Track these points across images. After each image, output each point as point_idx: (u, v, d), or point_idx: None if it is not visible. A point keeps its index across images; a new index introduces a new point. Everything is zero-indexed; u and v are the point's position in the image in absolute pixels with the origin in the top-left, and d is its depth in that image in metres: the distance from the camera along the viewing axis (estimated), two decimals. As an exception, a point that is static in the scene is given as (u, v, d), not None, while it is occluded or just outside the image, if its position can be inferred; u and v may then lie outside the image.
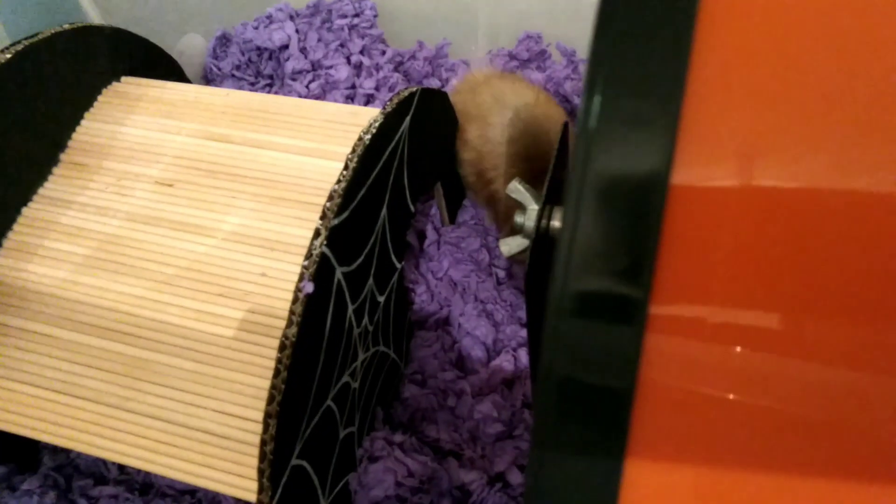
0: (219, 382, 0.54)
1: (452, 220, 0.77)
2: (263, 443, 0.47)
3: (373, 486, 0.59)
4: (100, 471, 0.65)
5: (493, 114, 0.68)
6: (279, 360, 0.47)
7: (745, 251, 0.22)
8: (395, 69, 0.86)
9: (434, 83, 0.86)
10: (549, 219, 0.47)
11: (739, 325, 0.22)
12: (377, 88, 0.83)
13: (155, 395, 0.54)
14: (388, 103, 0.56)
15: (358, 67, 0.85)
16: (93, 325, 0.57)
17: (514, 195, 0.49)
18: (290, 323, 0.47)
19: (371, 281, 0.58)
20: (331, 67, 0.85)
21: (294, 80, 0.85)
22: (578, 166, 0.24)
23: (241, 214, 0.61)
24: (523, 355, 0.67)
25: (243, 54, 0.87)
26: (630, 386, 0.23)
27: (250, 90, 0.86)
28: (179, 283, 0.58)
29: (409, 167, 0.61)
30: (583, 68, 0.82)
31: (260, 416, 0.53)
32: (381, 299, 0.61)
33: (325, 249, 0.48)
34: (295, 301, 0.47)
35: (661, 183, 0.23)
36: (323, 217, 0.49)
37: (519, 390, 0.66)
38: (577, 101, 0.80)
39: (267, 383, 0.53)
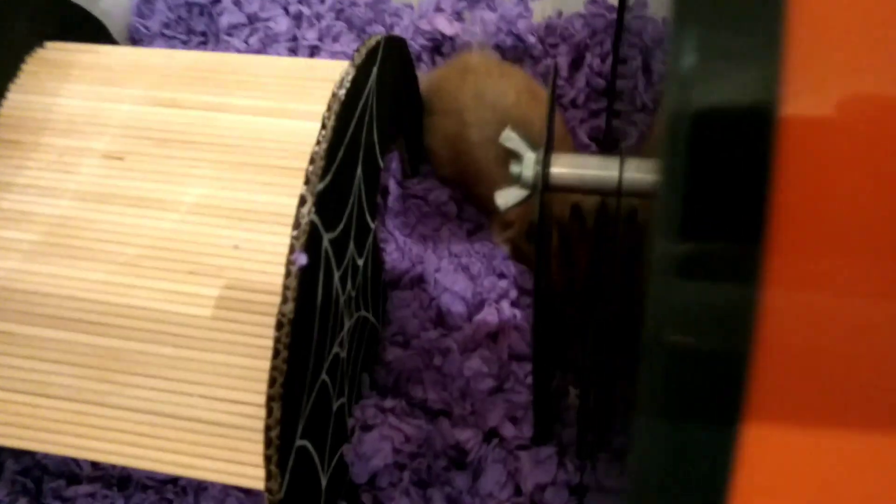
0: (202, 366, 0.51)
1: (415, 172, 0.74)
2: (268, 428, 0.44)
3: (371, 455, 0.57)
4: (70, 469, 0.61)
5: (471, 112, 0.66)
6: (277, 340, 0.43)
7: (869, 192, 0.20)
8: (337, 17, 0.81)
9: (378, 30, 0.82)
10: (548, 167, 0.45)
11: (874, 273, 0.20)
12: (320, 39, 0.79)
13: (135, 385, 0.51)
14: (357, 54, 0.52)
15: (298, 18, 0.80)
16: (54, 317, 0.53)
17: (508, 144, 0.46)
18: (284, 299, 0.44)
19: (352, 245, 0.55)
20: (269, 20, 0.80)
21: (230, 35, 0.79)
22: (673, 107, 0.21)
23: (202, 184, 0.56)
24: (506, 307, 0.65)
25: (172, 11, 0.81)
26: (747, 347, 0.21)
27: (183, 49, 0.80)
28: (144, 263, 0.54)
29: (377, 121, 0.58)
30: (533, 5, 0.80)
31: (252, 398, 0.50)
32: (360, 263, 0.59)
33: (314, 217, 0.45)
34: (288, 275, 0.44)
35: (769, 118, 0.21)
36: (307, 182, 0.45)
37: (503, 342, 0.65)
38: (531, 39, 0.77)
39: (254, 363, 0.51)
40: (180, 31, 0.81)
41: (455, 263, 0.68)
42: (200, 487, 0.61)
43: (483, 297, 0.67)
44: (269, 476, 0.45)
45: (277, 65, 0.62)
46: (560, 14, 0.79)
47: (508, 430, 0.62)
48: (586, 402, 0.59)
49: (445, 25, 0.77)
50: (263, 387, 0.47)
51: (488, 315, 0.65)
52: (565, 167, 0.45)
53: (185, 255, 0.54)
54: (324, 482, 0.53)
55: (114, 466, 0.61)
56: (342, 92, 0.49)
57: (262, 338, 0.51)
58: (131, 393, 0.50)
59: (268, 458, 0.45)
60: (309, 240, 0.45)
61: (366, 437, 0.58)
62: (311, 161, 0.47)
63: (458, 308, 0.66)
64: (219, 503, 0.60)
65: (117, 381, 0.51)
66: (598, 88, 0.76)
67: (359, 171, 0.55)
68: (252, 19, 0.80)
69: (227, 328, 0.51)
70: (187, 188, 0.56)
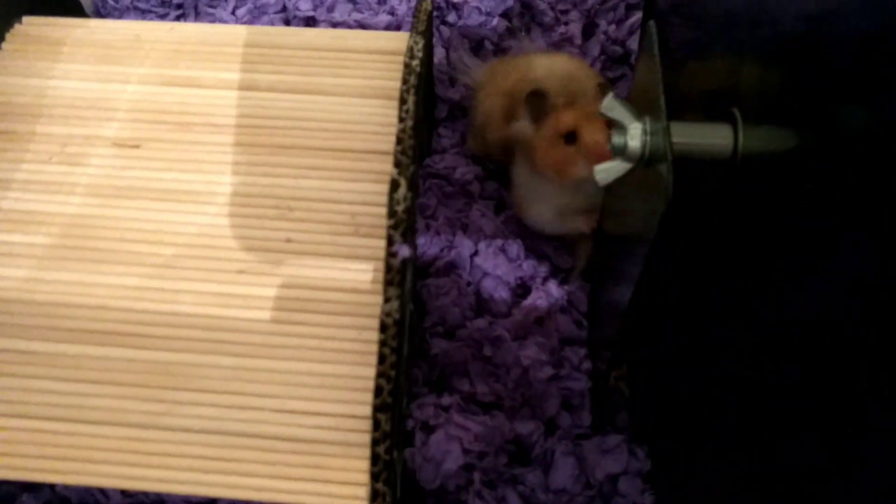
0: (269, 376, 0.45)
1: (428, 150, 0.69)
2: (375, 442, 0.39)
3: (440, 458, 0.52)
4: (96, 499, 0.54)
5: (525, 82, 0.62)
6: (383, 343, 0.39)
7: None
8: (328, -15, 0.75)
9: (371, 0, 0.76)
10: (669, 136, 0.41)
11: None
12: (315, 9, 0.73)
13: (192, 403, 0.45)
14: (417, 21, 0.47)
15: (287, -14, 0.74)
16: (83, 331, 0.46)
17: (610, 113, 0.43)
18: (387, 297, 0.39)
19: (412, 226, 0.50)
20: (255, -11, 0.73)
21: (214, 6, 0.72)
22: None
23: (238, 171, 0.50)
24: (553, 288, 0.61)
25: (143, -19, 0.73)
26: None
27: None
28: (185, 264, 0.48)
29: (424, 92, 0.53)
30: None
31: (331, 408, 0.44)
32: (411, 250, 0.54)
33: (410, 202, 0.40)
34: (389, 270, 0.39)
35: None
36: (398, 164, 0.40)
37: (551, 326, 0.61)
38: (542, 5, 0.73)
39: (330, 368, 0.45)
40: (153, 3, 0.73)
41: (493, 246, 0.63)
42: (242, 508, 0.55)
43: (525, 280, 0.63)
44: (374, 495, 0.40)
45: (302, 36, 0.56)
46: (569, -22, 0.76)
47: (565, 420, 0.58)
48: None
49: (452, -9, 0.72)
50: (345, 395, 0.43)
51: (538, 299, 0.61)
52: (685, 136, 0.41)
53: (230, 253, 0.48)
54: (399, 493, 0.49)
55: (146, 493, 0.55)
56: (416, 63, 0.44)
57: (334, 340, 0.45)
58: (189, 412, 0.44)
59: (374, 476, 0.40)
60: (407, 229, 0.40)
61: (431, 438, 0.53)
62: (399, 141, 0.42)
63: (501, 294, 0.62)
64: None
65: (170, 400, 0.45)
66: (613, 56, 0.72)
67: (416, 149, 0.50)
68: (236, -11, 0.73)
69: (292, 332, 0.46)
70: (220, 176, 0.50)
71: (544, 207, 0.62)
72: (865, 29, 0.29)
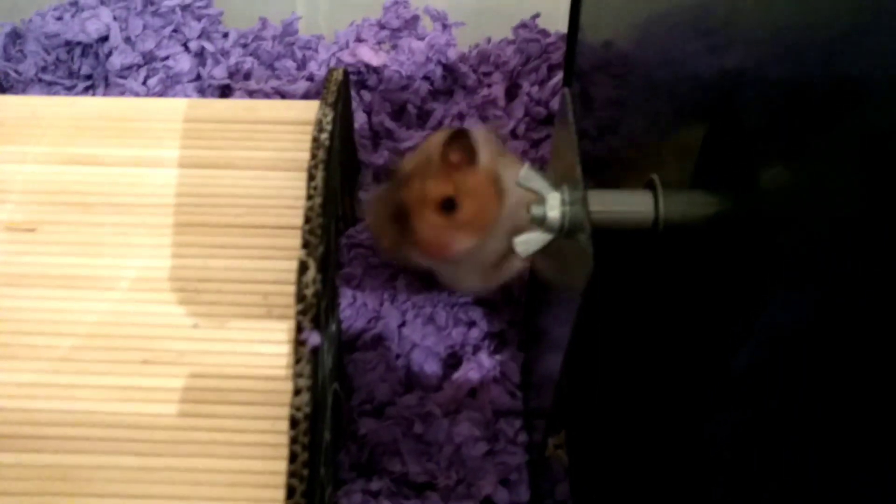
0: (177, 475, 0.42)
1: (353, 220, 0.67)
2: (289, 549, 0.36)
3: (370, 551, 0.49)
4: None
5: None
6: (294, 440, 0.36)
7: None
8: (244, 53, 0.73)
9: (289, 65, 0.75)
10: (586, 205, 0.39)
11: None
12: (231, 77, 0.71)
13: (92, 511, 0.41)
14: (326, 91, 0.46)
15: (200, 55, 0.71)
16: (-31, 436, 0.42)
17: (528, 184, 0.41)
18: (297, 390, 0.36)
19: (326, 308, 0.48)
20: (167, 58, 0.70)
21: (124, 77, 0.69)
22: None
23: (142, 254, 0.47)
24: (484, 359, 0.59)
25: (49, 52, 0.70)
26: None
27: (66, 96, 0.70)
28: (84, 356, 0.44)
29: (340, 165, 0.51)
30: (457, 32, 0.75)
31: (245, 506, 0.41)
32: (334, 327, 0.51)
33: (319, 286, 0.38)
34: (300, 360, 0.36)
35: None
36: (306, 245, 0.38)
37: (484, 398, 0.59)
38: (463, 68, 0.72)
39: (241, 464, 0.42)
40: (60, 74, 0.70)
41: (422, 315, 0.61)
42: None
43: (455, 349, 0.61)
44: None
45: (210, 108, 0.54)
46: (489, 40, 0.75)
47: (503, 496, 0.56)
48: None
49: (371, 56, 0.71)
50: (258, 493, 0.40)
51: (469, 371, 0.58)
52: (603, 205, 0.40)
53: (134, 342, 0.44)
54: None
55: None
56: (325, 136, 0.42)
57: (245, 433, 0.42)
58: (89, 520, 0.41)
59: (290, 587, 0.37)
60: (317, 314, 0.38)
61: (360, 529, 0.50)
62: (307, 220, 0.39)
63: (431, 366, 0.60)
64: None
65: (67, 508, 0.41)
66: (538, 117, 0.72)
67: (332, 225, 0.48)
68: (148, 58, 0.70)
69: (200, 426, 0.43)
70: (124, 260, 0.47)
71: (471, 269, 0.59)
72: (781, 89, 0.28)
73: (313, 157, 0.41)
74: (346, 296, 0.63)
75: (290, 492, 0.36)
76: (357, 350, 0.61)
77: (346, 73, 0.52)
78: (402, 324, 0.61)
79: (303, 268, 0.38)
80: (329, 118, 0.43)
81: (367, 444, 0.56)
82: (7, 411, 0.43)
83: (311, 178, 0.41)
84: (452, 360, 0.61)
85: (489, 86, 0.73)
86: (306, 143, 0.49)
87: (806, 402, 0.25)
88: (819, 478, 0.24)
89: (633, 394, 0.46)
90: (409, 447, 0.56)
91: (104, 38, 0.70)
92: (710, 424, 0.35)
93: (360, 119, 0.70)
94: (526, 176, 0.41)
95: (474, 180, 0.51)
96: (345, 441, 0.57)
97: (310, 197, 0.40)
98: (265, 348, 0.44)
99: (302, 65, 0.75)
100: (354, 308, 0.62)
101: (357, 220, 0.67)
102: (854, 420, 0.22)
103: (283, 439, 0.40)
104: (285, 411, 0.41)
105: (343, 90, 0.52)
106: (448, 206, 0.50)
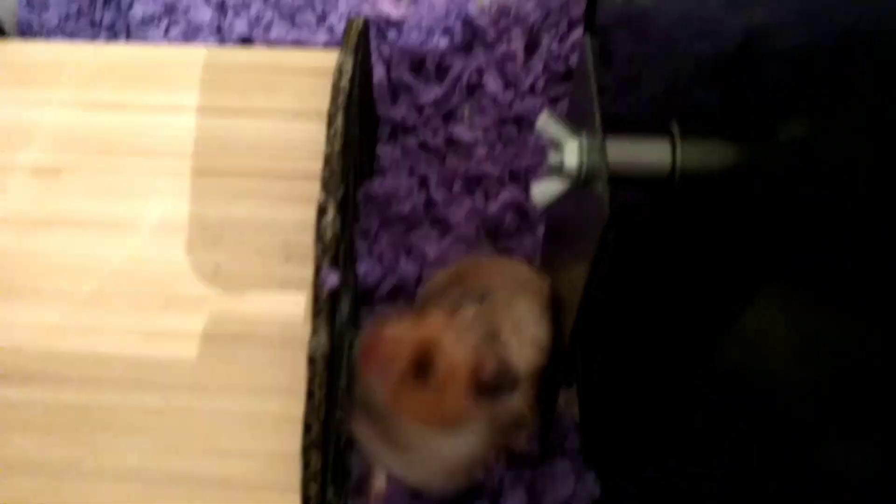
0: (196, 415, 0.43)
1: (370, 172, 0.67)
2: (306, 483, 0.37)
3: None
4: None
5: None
6: (312, 379, 0.36)
7: None
8: (265, 5, 0.73)
9: (309, 17, 0.74)
10: (604, 150, 0.39)
11: None
12: (251, 29, 0.71)
13: (114, 448, 0.42)
14: (347, 38, 0.46)
15: (221, 7, 0.71)
16: (-4, 373, 0.43)
17: (545, 131, 0.41)
18: (315, 329, 0.37)
19: (344, 251, 0.48)
20: (188, 10, 0.70)
21: (146, 28, 0.70)
22: None
23: (165, 198, 0.48)
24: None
25: (71, 2, 0.70)
26: None
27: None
28: (107, 299, 0.45)
29: (360, 113, 0.51)
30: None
31: (264, 446, 0.42)
32: (352, 275, 0.52)
33: (338, 228, 0.38)
34: (317, 300, 0.37)
35: None
36: (325, 188, 0.38)
37: (499, 351, 0.59)
38: (482, 23, 0.72)
39: (260, 406, 0.43)
40: (83, 24, 0.71)
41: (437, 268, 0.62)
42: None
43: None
44: (308, 539, 0.38)
45: (232, 55, 0.54)
46: (510, -5, 0.75)
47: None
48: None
49: (391, 9, 0.71)
50: (276, 433, 0.41)
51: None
52: (621, 153, 0.40)
53: (156, 286, 0.45)
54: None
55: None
56: (345, 82, 0.43)
57: (264, 375, 0.43)
58: (109, 457, 0.42)
59: (307, 520, 0.38)
60: (336, 255, 0.38)
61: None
62: (326, 163, 0.40)
63: (447, 318, 0.60)
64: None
65: (90, 444, 0.42)
66: (557, 73, 0.71)
67: (350, 171, 0.48)
68: (169, 9, 0.70)
69: (220, 368, 0.43)
70: (146, 203, 0.48)
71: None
72: (800, 43, 0.28)
73: (333, 102, 0.42)
74: (362, 248, 0.64)
75: (307, 429, 0.36)
76: (373, 302, 0.61)
77: (366, 23, 0.52)
78: (419, 278, 0.62)
79: (322, 210, 0.38)
80: (349, 65, 0.43)
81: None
82: (32, 350, 0.44)
83: (330, 123, 0.41)
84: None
85: (509, 41, 0.72)
86: (326, 91, 0.49)
87: (817, 356, 0.25)
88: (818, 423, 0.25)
89: (646, 346, 0.46)
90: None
91: (126, -11, 0.70)
92: (722, 379, 0.35)
93: (378, 73, 0.70)
94: (544, 122, 0.42)
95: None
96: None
97: (329, 142, 0.40)
98: (285, 294, 0.45)
99: (322, 17, 0.75)
100: (371, 260, 0.63)
101: (374, 172, 0.67)
102: (855, 368, 0.22)
103: (301, 381, 0.41)
104: (303, 354, 0.42)
105: (363, 40, 0.52)
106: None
